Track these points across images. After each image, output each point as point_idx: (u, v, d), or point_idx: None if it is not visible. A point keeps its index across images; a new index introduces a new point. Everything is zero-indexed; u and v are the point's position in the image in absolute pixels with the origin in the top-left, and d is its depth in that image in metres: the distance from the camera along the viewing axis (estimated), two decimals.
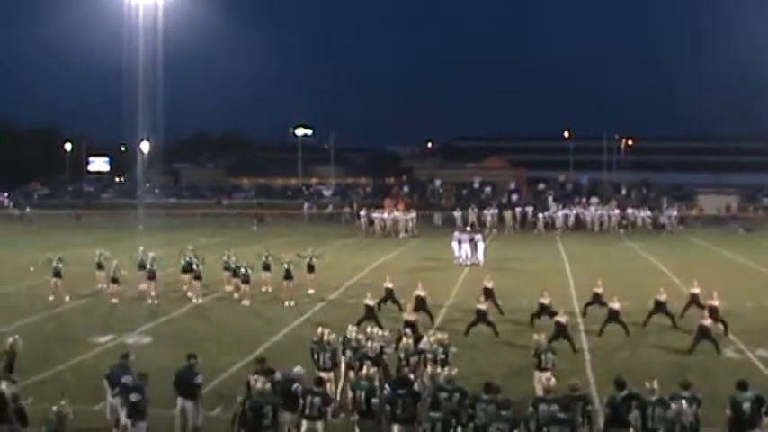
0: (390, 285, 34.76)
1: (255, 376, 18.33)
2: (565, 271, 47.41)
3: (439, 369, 19.90)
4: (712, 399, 18.46)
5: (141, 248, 41.94)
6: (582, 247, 61.80)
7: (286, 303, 36.89)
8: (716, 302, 30.41)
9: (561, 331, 27.74)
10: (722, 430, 16.94)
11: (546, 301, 31.55)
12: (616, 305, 30.59)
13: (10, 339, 21.47)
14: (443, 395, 17.68)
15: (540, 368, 22.21)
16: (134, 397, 17.87)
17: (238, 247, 50.86)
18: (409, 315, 28.35)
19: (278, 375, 18.70)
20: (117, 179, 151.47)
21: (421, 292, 32.26)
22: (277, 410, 17.30)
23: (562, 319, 28.16)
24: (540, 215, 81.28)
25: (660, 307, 31.88)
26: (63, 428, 15.93)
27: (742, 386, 17.28)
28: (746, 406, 16.78)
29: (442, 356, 21.75)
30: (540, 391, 21.08)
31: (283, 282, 37.66)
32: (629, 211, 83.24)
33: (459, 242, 51.65)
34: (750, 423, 16.61)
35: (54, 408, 16.04)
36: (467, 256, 50.46)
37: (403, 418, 17.64)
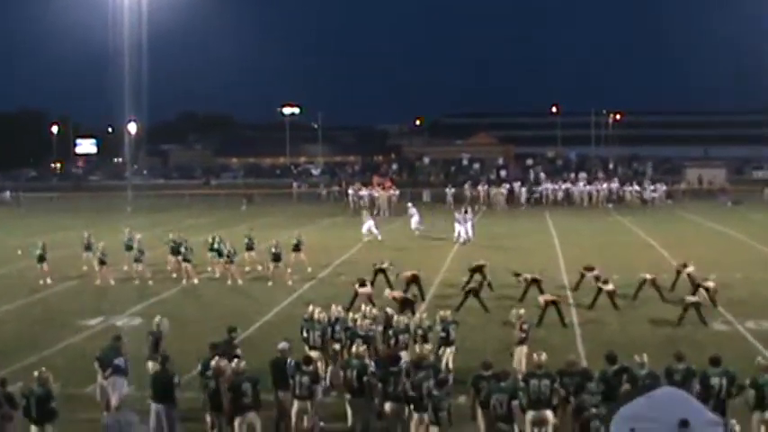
0: (385, 266, 34.74)
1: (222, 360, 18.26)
2: (554, 246, 47.43)
3: (424, 346, 19.90)
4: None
5: (127, 230, 41.94)
6: (571, 222, 61.82)
7: (269, 283, 36.91)
8: (712, 284, 30.41)
9: (553, 305, 27.98)
10: None
11: (534, 275, 31.71)
12: (609, 287, 30.65)
13: (156, 319, 21.78)
14: (421, 374, 17.63)
15: (522, 342, 22.35)
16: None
17: (227, 227, 50.81)
18: (404, 293, 28.64)
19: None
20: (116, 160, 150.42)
21: (414, 271, 32.38)
22: (257, 387, 17.28)
23: (552, 297, 28.39)
24: (524, 189, 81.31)
25: (650, 282, 31.95)
26: (50, 391, 16.26)
27: (714, 362, 17.15)
28: (715, 381, 16.71)
29: (443, 335, 21.82)
30: (516, 364, 21.30)
31: (270, 263, 37.69)
32: (616, 185, 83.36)
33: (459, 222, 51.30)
34: (719, 400, 16.49)
35: (35, 373, 16.46)
36: (459, 235, 50.18)
37: (394, 396, 17.64)
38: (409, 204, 58.83)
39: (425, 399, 16.86)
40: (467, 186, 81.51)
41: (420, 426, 17.01)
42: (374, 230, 51.42)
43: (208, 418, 17.44)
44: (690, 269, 33.40)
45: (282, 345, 19.13)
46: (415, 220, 54.40)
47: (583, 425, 15.09)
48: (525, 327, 22.50)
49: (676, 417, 2.43)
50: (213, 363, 17.62)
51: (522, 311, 23.41)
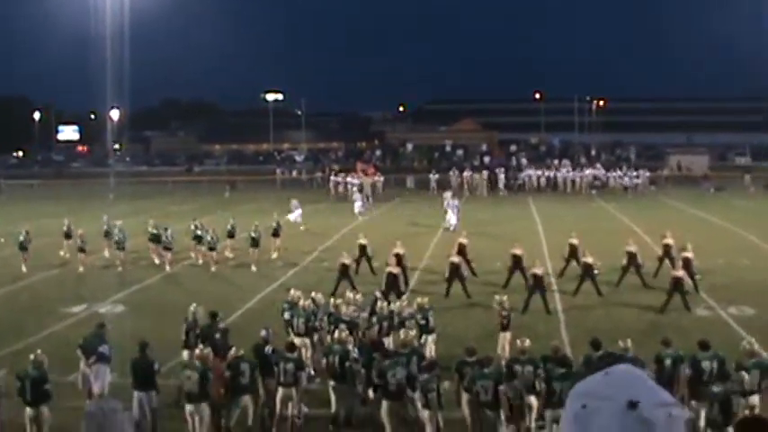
0: (364, 242, 34.97)
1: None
2: (538, 232, 47.51)
3: (401, 333, 19.94)
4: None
5: (105, 217, 41.90)
6: (554, 209, 61.85)
7: (253, 268, 36.91)
8: (690, 254, 30.55)
9: (538, 284, 28.10)
10: (681, 389, 16.93)
11: (518, 252, 31.79)
12: (589, 259, 30.76)
13: (191, 308, 21.76)
14: (402, 360, 17.65)
15: (505, 329, 22.41)
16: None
17: (211, 213, 50.72)
18: (393, 268, 28.73)
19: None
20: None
21: (400, 250, 32.38)
22: (255, 370, 17.34)
23: (539, 270, 28.46)
24: (502, 176, 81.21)
25: (632, 259, 32.05)
26: (44, 374, 16.68)
27: (703, 346, 17.33)
28: (706, 365, 16.82)
29: (423, 322, 21.78)
30: (499, 350, 21.38)
31: (250, 249, 37.76)
32: (600, 171, 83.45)
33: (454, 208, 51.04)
34: (710, 383, 16.59)
35: (31, 356, 17.03)
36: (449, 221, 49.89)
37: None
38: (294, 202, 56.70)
39: (409, 384, 16.96)
40: (452, 173, 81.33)
41: (389, 415, 17.07)
42: (361, 209, 52.08)
43: (188, 416, 17.31)
44: (668, 240, 33.66)
45: (263, 332, 19.20)
46: (296, 214, 51.86)
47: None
48: (505, 313, 22.58)
49: (627, 397, 2.43)
50: (197, 352, 17.60)
51: (504, 297, 23.50)
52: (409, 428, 17.32)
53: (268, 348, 18.65)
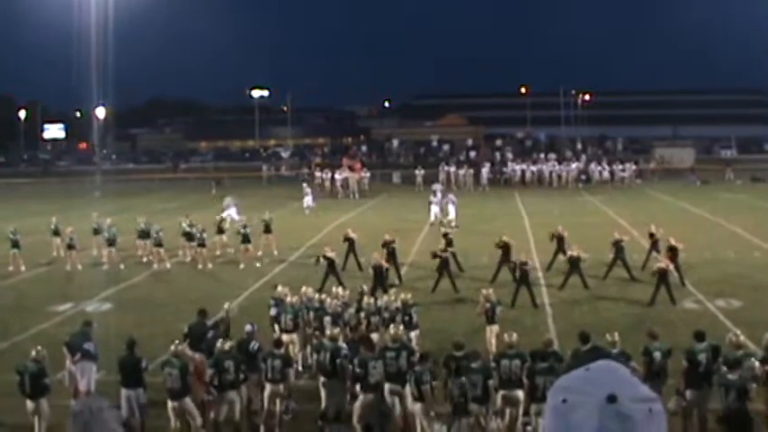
0: (353, 236, 35.10)
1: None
2: (525, 227, 47.54)
3: (390, 328, 19.93)
4: (673, 350, 18.60)
5: (95, 214, 41.82)
6: (541, 203, 61.92)
7: (242, 266, 36.87)
8: (676, 245, 30.63)
9: (524, 277, 28.20)
10: (679, 381, 17.02)
11: (507, 239, 31.90)
12: (575, 252, 30.86)
13: (226, 306, 21.93)
14: (390, 354, 17.68)
15: (491, 321, 22.46)
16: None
17: (197, 210, 50.63)
18: (381, 261, 28.89)
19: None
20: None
21: (392, 243, 32.47)
22: (239, 367, 17.34)
23: (525, 259, 28.61)
24: (484, 171, 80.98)
25: (619, 251, 32.14)
26: (43, 368, 17.16)
27: (699, 337, 17.41)
28: (702, 357, 16.90)
29: (406, 318, 21.76)
30: (489, 345, 21.43)
31: (241, 245, 37.58)
32: (593, 165, 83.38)
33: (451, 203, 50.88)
34: (706, 373, 16.72)
35: (33, 353, 17.36)
36: (436, 216, 49.66)
37: None
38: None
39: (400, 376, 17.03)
40: (441, 168, 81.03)
41: (365, 408, 17.14)
42: (310, 204, 52.90)
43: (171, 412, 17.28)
44: (654, 230, 33.82)
45: (248, 327, 19.25)
46: (230, 212, 50.14)
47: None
48: (488, 306, 22.63)
49: (606, 391, 2.44)
50: (172, 348, 17.59)
51: (491, 291, 23.57)
52: (384, 421, 17.35)
53: (253, 344, 18.67)
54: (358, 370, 17.43)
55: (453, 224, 46.48)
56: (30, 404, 17.03)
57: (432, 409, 16.68)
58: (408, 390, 16.85)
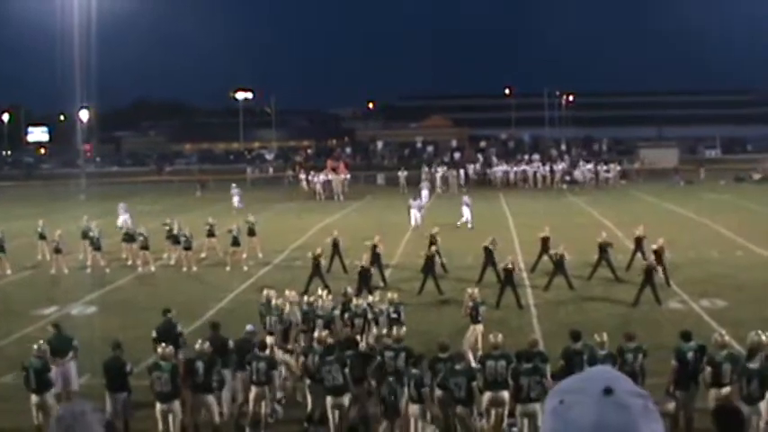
0: (337, 238, 35.26)
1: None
2: (509, 228, 47.60)
3: (393, 329, 19.93)
4: (658, 349, 18.66)
5: (85, 217, 41.68)
6: (525, 204, 62.01)
7: (227, 268, 36.83)
8: (661, 246, 30.66)
9: (508, 278, 28.26)
10: (668, 380, 17.07)
11: (488, 244, 31.89)
12: (561, 250, 30.95)
13: (286, 309, 21.97)
14: (389, 354, 17.70)
15: (475, 321, 22.51)
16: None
17: (182, 213, 50.59)
18: (365, 263, 28.93)
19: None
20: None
21: (377, 245, 32.52)
22: (212, 369, 17.28)
23: (510, 265, 28.61)
24: (461, 171, 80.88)
25: (604, 252, 32.21)
26: (46, 363, 17.43)
27: (686, 336, 17.47)
28: (690, 356, 16.95)
29: (394, 316, 21.78)
30: (465, 343, 21.47)
31: (230, 248, 37.51)
32: (584, 166, 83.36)
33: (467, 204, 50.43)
34: (693, 373, 16.79)
35: (35, 347, 17.70)
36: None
37: (353, 380, 17.63)
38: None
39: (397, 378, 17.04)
40: (432, 170, 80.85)
41: (339, 408, 17.19)
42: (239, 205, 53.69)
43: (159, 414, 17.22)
44: (639, 233, 33.86)
45: (249, 327, 19.38)
46: (124, 218, 48.58)
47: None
48: (471, 304, 22.70)
49: (602, 386, 2.46)
50: (159, 350, 17.52)
51: (475, 291, 23.62)
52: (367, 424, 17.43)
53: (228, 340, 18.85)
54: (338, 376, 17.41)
55: (469, 226, 46.57)
56: (34, 398, 17.22)
57: (429, 411, 16.66)
58: (405, 391, 16.78)
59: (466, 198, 51.56)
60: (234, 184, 67.45)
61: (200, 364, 17.26)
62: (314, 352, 18.27)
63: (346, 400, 17.16)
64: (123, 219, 47.57)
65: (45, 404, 17.18)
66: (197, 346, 17.90)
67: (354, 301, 22.74)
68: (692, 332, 17.77)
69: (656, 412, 2.65)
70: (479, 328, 22.40)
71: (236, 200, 63.19)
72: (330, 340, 18.88)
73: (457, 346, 18.91)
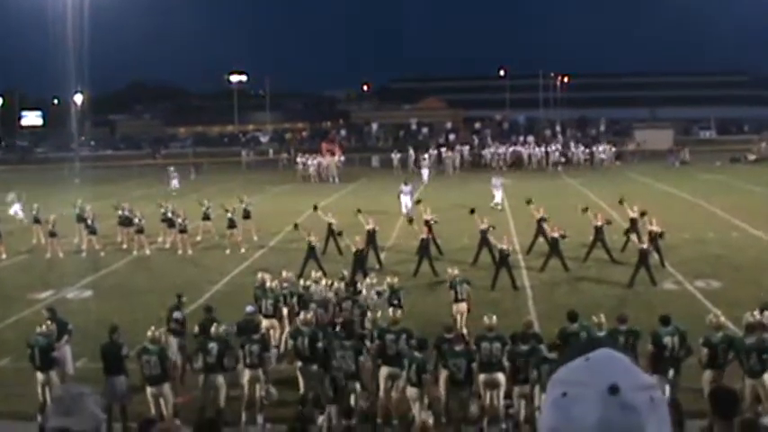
0: (332, 221, 35.08)
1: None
2: (504, 209, 47.59)
3: (390, 311, 19.99)
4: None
5: (79, 201, 41.59)
6: (520, 185, 61.90)
7: (227, 251, 36.82)
8: (655, 228, 30.67)
9: (503, 260, 28.29)
10: (646, 364, 17.04)
11: (484, 226, 31.84)
12: (555, 234, 30.95)
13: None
14: (390, 337, 17.71)
15: (457, 300, 22.73)
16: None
17: (177, 197, 50.53)
18: (359, 245, 28.96)
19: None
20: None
21: (371, 227, 32.47)
22: (223, 351, 17.36)
23: (505, 246, 28.64)
24: (450, 153, 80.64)
25: (599, 233, 32.21)
26: (52, 342, 17.81)
27: (664, 321, 17.43)
28: (667, 340, 16.94)
29: (395, 302, 21.82)
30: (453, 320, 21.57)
31: (227, 230, 37.53)
32: (581, 148, 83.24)
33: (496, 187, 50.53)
34: (672, 359, 16.77)
35: (38, 328, 18.05)
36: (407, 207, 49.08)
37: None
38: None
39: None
40: (430, 152, 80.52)
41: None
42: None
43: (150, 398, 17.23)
44: (633, 214, 33.83)
45: (249, 308, 19.46)
46: (16, 208, 48.80)
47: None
48: (454, 282, 22.81)
49: (607, 382, 2.43)
50: (149, 333, 17.52)
51: (455, 271, 23.68)
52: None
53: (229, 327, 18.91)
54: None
55: (499, 207, 46.65)
56: (40, 376, 17.41)
57: (427, 395, 16.66)
58: (404, 373, 16.77)
59: (494, 180, 51.44)
60: (171, 168, 69.59)
61: (213, 345, 17.34)
62: (303, 333, 18.26)
63: (357, 386, 17.15)
64: (14, 209, 47.47)
65: (50, 381, 17.31)
66: (212, 329, 17.93)
67: (359, 284, 22.94)
68: (671, 316, 17.73)
69: (661, 401, 2.64)
70: (462, 306, 22.51)
71: (174, 182, 65.91)
72: (338, 320, 19.09)
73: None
